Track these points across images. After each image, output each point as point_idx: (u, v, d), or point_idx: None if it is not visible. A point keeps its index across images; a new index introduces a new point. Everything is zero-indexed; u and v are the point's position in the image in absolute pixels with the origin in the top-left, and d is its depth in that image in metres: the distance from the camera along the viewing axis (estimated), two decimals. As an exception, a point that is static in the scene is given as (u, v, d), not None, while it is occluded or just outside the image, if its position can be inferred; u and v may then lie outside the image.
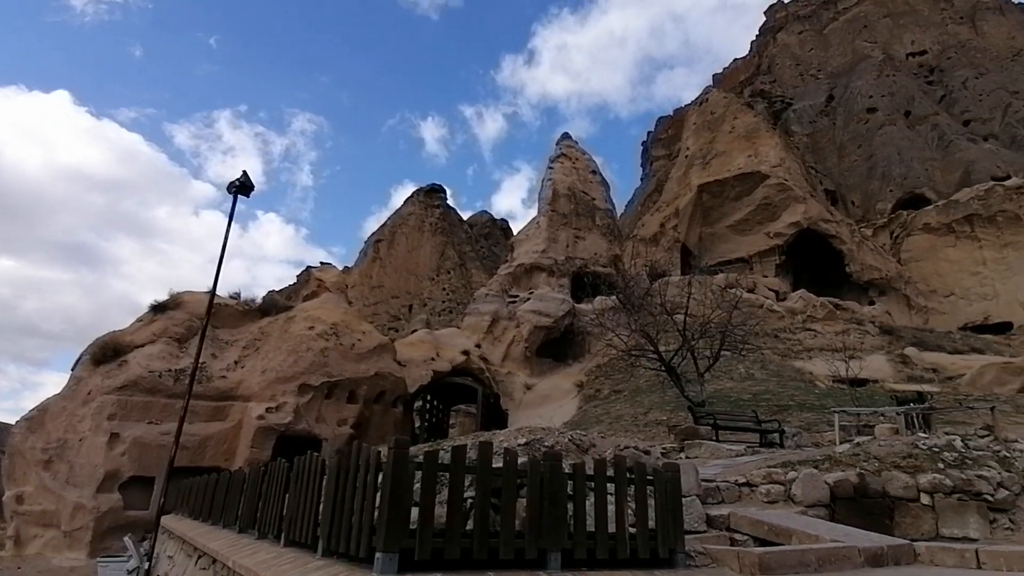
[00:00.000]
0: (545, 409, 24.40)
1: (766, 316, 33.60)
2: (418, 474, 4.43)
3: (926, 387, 22.47)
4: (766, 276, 50.24)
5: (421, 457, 4.55)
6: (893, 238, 55.95)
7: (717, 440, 12.28)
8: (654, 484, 5.42)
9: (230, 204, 12.10)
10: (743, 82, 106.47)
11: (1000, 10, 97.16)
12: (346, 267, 71.20)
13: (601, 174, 50.01)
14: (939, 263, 51.48)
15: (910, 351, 29.96)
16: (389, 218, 73.35)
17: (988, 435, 9.07)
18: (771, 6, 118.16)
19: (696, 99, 71.13)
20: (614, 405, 21.71)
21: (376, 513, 4.31)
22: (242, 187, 11.67)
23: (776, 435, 13.11)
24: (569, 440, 7.37)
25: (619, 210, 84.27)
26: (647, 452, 8.03)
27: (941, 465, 8.07)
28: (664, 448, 11.56)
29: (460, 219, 77.81)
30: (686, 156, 59.88)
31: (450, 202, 77.70)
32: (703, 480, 7.84)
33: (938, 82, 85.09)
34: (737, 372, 24.91)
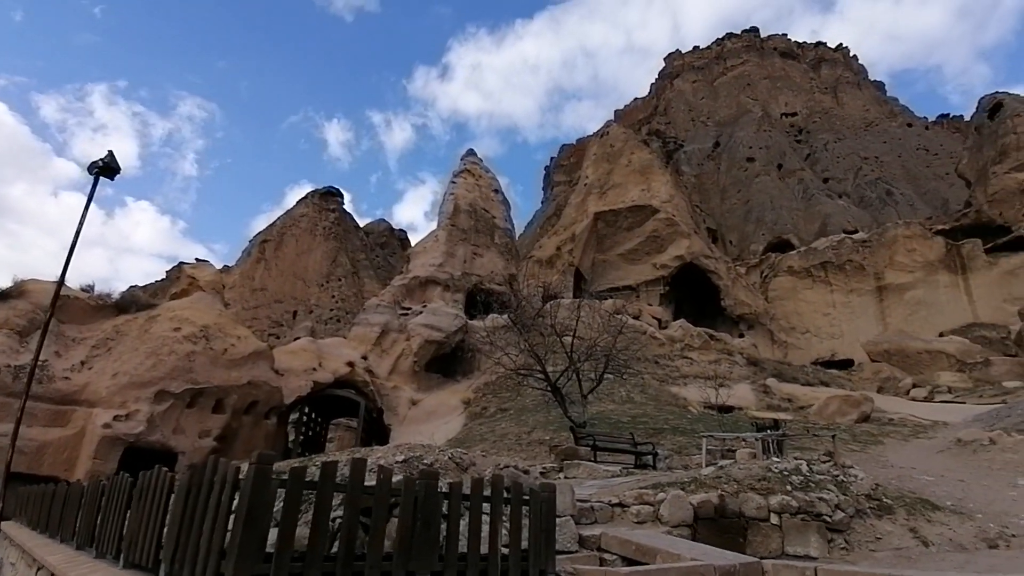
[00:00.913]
0: (430, 425, 24.05)
1: (648, 342, 35.42)
2: (281, 492, 4.12)
3: (781, 415, 24.60)
4: (651, 304, 53.09)
5: (287, 474, 4.25)
6: (763, 277, 61.28)
7: (595, 461, 12.64)
8: (530, 504, 5.41)
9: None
10: (641, 120, 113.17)
11: (858, 85, 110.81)
12: (226, 266, 66.60)
13: (503, 193, 50.74)
14: (799, 303, 56.99)
15: (771, 381, 32.72)
16: (279, 218, 69.69)
17: (829, 461, 10.00)
18: (670, 54, 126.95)
19: (598, 131, 74.44)
20: (500, 423, 21.82)
21: (229, 536, 3.96)
22: (106, 168, 10.53)
23: (650, 457, 13.72)
24: (449, 458, 7.25)
25: (519, 230, 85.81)
26: (526, 472, 8.09)
27: (789, 487, 8.75)
28: (544, 468, 11.71)
29: (356, 226, 75.50)
30: (585, 184, 62.28)
31: (348, 207, 75.35)
32: (578, 500, 8.00)
33: (805, 142, 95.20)
34: (619, 395, 25.96)
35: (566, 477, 11.37)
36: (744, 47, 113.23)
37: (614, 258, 57.72)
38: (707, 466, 11.28)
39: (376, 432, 26.23)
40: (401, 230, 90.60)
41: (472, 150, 53.35)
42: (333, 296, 62.48)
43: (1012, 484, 12.49)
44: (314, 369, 25.70)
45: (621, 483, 10.28)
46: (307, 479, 4.28)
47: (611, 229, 57.64)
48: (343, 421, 30.57)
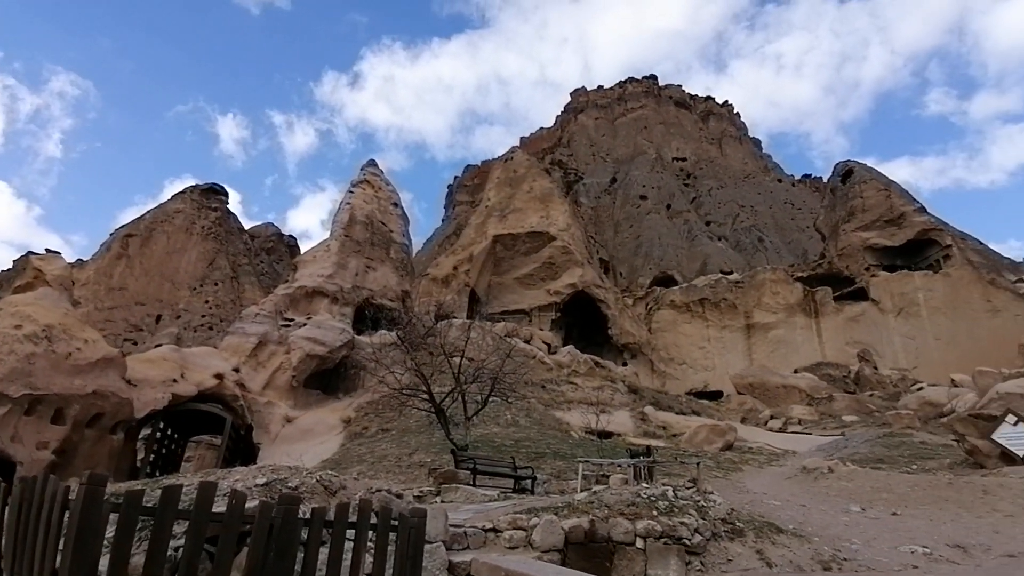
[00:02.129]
0: (305, 445, 22.78)
1: (537, 367, 36.10)
2: (115, 517, 3.74)
3: (656, 442, 25.86)
4: (542, 329, 54.27)
5: (123, 498, 3.84)
6: (647, 309, 64.72)
7: (475, 485, 12.56)
8: (398, 531, 5.22)
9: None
10: (545, 150, 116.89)
11: (739, 140, 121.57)
12: (80, 260, 59.91)
13: (403, 208, 50.01)
14: (678, 335, 60.70)
15: (648, 409, 34.38)
16: (150, 211, 63.81)
17: (693, 487, 10.59)
18: (576, 90, 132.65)
19: (503, 156, 75.87)
20: (380, 444, 21.14)
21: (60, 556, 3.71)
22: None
23: (529, 482, 13.85)
24: (317, 481, 6.87)
25: (418, 247, 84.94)
26: (400, 496, 7.84)
27: (655, 512, 9.15)
28: (421, 491, 11.45)
29: (241, 228, 70.78)
30: (487, 206, 63.00)
31: (236, 208, 70.78)
32: (452, 525, 7.85)
33: (692, 186, 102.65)
34: (504, 418, 26.13)
35: (443, 501, 11.18)
36: (643, 92, 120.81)
37: (510, 281, 58.62)
38: (582, 491, 11.56)
39: (243, 451, 24.41)
40: (291, 236, 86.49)
41: (373, 161, 52.13)
42: (207, 301, 57.95)
43: (845, 510, 13.85)
44: (175, 380, 23.52)
45: (497, 507, 10.26)
46: (146, 504, 3.89)
47: (509, 252, 58.59)
48: (206, 438, 28.16)
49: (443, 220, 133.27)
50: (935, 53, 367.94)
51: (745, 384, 48.57)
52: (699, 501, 10.08)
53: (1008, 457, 16.55)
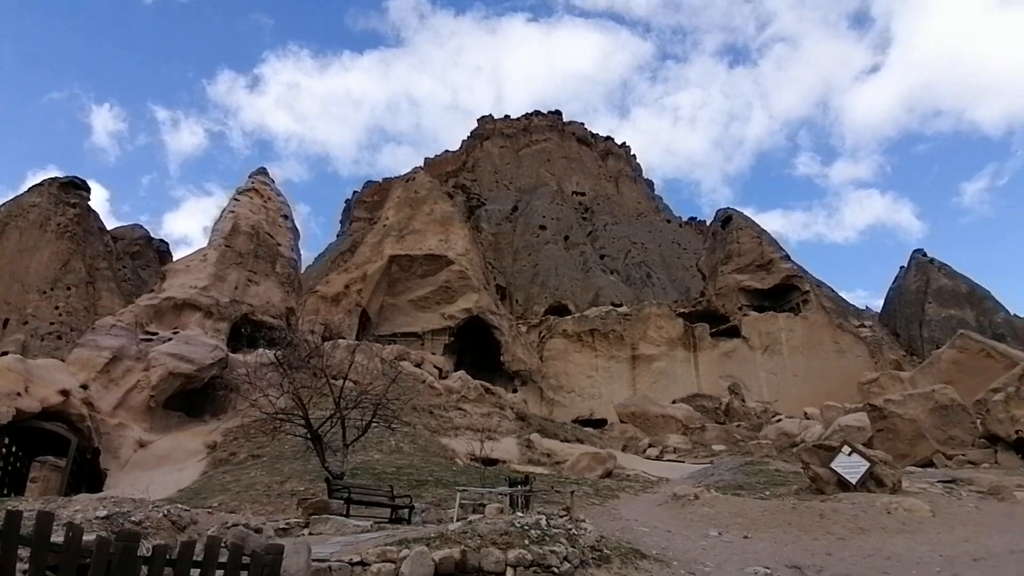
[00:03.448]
0: (160, 472, 20.83)
1: (426, 391, 35.68)
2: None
3: (540, 469, 26.26)
4: (434, 353, 53.85)
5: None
6: (540, 337, 66.22)
7: (347, 515, 12.11)
8: (250, 569, 4.95)
9: None
10: (449, 173, 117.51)
11: (635, 180, 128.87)
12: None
13: (293, 221, 47.89)
14: (568, 364, 62.51)
15: (534, 437, 34.92)
16: (4, 204, 56.95)
17: (566, 515, 10.88)
18: (483, 117, 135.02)
19: (405, 175, 75.36)
20: (248, 472, 19.78)
21: None
22: None
23: (406, 511, 13.57)
24: (164, 515, 6.34)
25: (308, 262, 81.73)
26: (258, 530, 7.42)
27: (527, 541, 9.29)
28: (288, 523, 10.86)
29: (102, 228, 64.34)
30: (384, 225, 62.09)
31: (101, 206, 64.52)
32: (317, 560, 7.52)
33: (589, 220, 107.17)
34: (388, 444, 25.46)
35: (311, 533, 10.68)
36: (548, 126, 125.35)
37: (404, 303, 57.86)
38: (457, 520, 11.51)
39: (90, 476, 21.89)
40: (162, 241, 79.85)
41: (264, 169, 49.48)
42: (57, 307, 51.92)
43: (704, 535, 14.77)
44: (18, 394, 20.82)
45: (369, 539, 9.96)
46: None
47: (405, 274, 57.93)
48: (51, 459, 24.98)
49: (338, 235, 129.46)
50: (805, 122, 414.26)
51: (628, 413, 50.74)
52: (571, 529, 10.36)
53: (843, 484, 18.38)
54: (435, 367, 49.43)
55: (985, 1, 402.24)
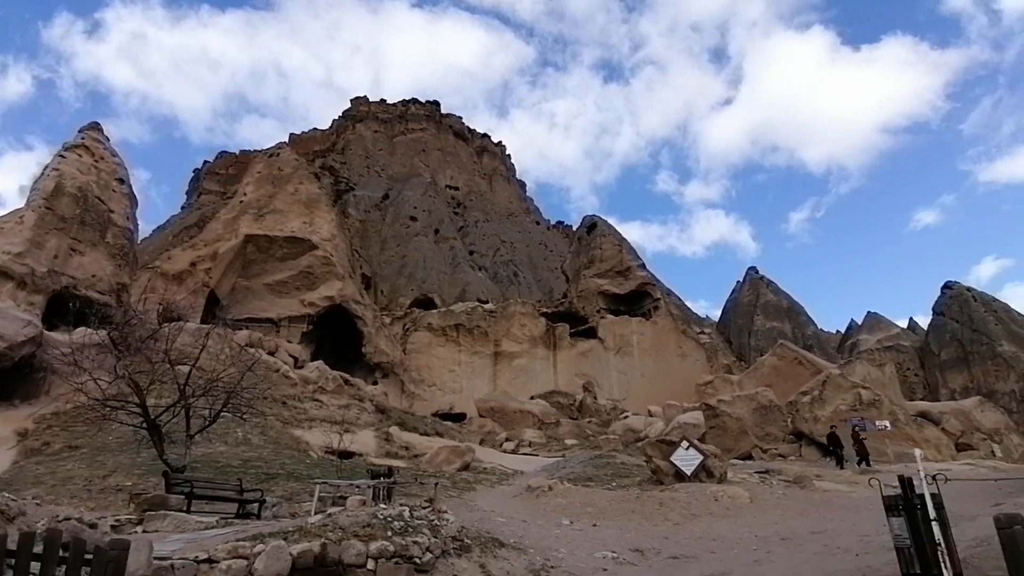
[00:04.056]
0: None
1: (280, 381, 33.70)
2: None
3: (398, 462, 25.94)
4: (291, 341, 50.99)
5: None
6: (404, 330, 65.26)
7: (188, 511, 11.09)
8: (93, 565, 4.47)
9: None
10: (317, 152, 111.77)
11: (508, 180, 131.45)
12: None
13: (130, 186, 42.65)
14: (431, 358, 62.25)
15: (393, 430, 34.38)
16: None
17: (428, 506, 10.86)
18: (357, 98, 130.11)
19: (268, 150, 70.41)
20: (65, 464, 17.33)
21: None
22: None
23: (256, 506, 12.74)
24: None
25: (144, 234, 73.70)
26: (93, 525, 6.58)
27: (390, 533, 9.15)
28: (118, 520, 9.72)
29: None
30: (241, 201, 57.60)
31: None
32: (158, 558, 6.86)
33: (461, 215, 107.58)
34: (234, 436, 23.70)
35: (147, 531, 9.66)
36: (425, 115, 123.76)
37: (259, 287, 54.11)
38: (316, 514, 11.03)
39: None
40: (-33, 198, 67.79)
41: (98, 124, 43.24)
42: None
43: (557, 524, 15.52)
44: None
45: (216, 535, 9.23)
46: None
47: (262, 255, 54.19)
48: None
49: (183, 207, 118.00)
50: (667, 142, 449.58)
51: (487, 408, 51.72)
52: (433, 520, 10.37)
53: (680, 475, 20.24)
54: (291, 356, 46.83)
55: (819, 56, 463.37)
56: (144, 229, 59.43)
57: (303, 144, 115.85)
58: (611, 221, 76.00)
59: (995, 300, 65.35)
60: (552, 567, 10.75)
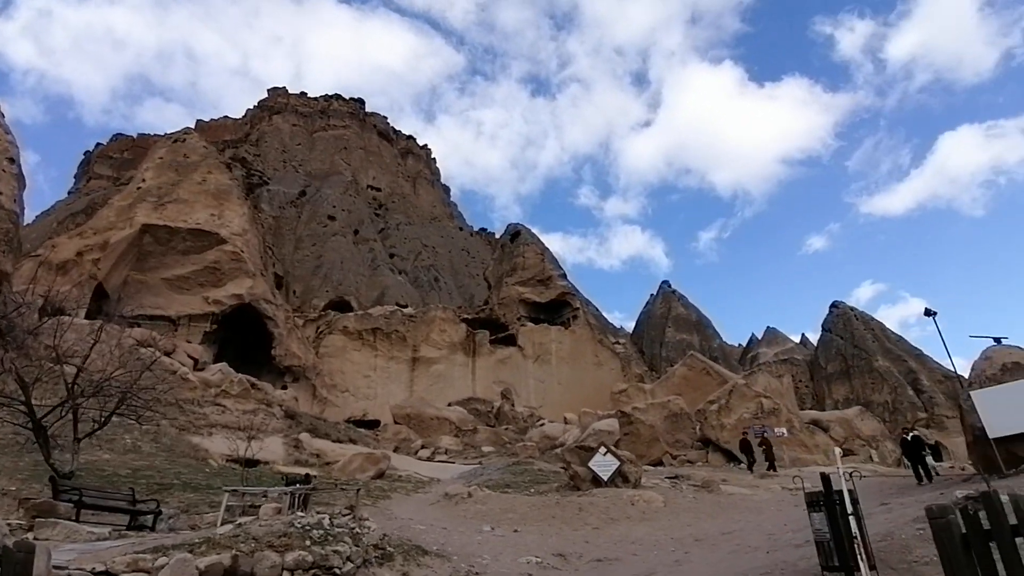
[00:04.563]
0: None
1: (178, 384, 31.31)
2: None
3: (308, 471, 24.77)
4: (190, 341, 47.75)
5: None
6: (318, 332, 62.83)
7: (78, 520, 9.97)
8: (3, 565, 4.17)
9: None
10: (227, 142, 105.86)
11: (432, 183, 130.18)
12: None
13: (20, 167, 38.77)
14: (345, 362, 60.26)
15: (304, 436, 32.86)
16: None
17: (349, 514, 10.35)
18: (275, 88, 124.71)
19: (172, 134, 65.77)
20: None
21: None
22: None
23: (150, 517, 11.67)
24: None
25: (28, 220, 66.99)
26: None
27: (308, 542, 8.62)
28: (10, 524, 8.63)
29: None
30: (139, 188, 53.48)
31: None
32: (56, 567, 6.16)
33: (382, 217, 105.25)
34: (122, 443, 21.71)
35: (37, 538, 8.60)
36: (349, 113, 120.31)
37: (156, 281, 50.31)
38: (223, 524, 10.23)
39: None
40: None
41: (-12, 98, 39.22)
42: None
43: (479, 530, 15.33)
44: None
45: (110, 547, 8.37)
46: None
47: (161, 248, 50.46)
48: None
49: (70, 192, 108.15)
50: (589, 159, 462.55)
51: (403, 414, 50.70)
52: (354, 528, 9.89)
53: (597, 481, 20.59)
54: (191, 357, 43.85)
55: (728, 89, 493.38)
56: (27, 215, 53.67)
57: (212, 132, 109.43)
58: (535, 231, 77.04)
59: (873, 319, 71.97)
60: (477, 573, 10.54)
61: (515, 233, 72.43)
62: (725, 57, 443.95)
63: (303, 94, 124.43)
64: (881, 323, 72.18)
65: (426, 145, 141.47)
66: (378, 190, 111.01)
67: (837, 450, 7.36)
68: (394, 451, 38.92)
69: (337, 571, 8.32)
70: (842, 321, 70.27)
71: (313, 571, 7.97)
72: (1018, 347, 16.97)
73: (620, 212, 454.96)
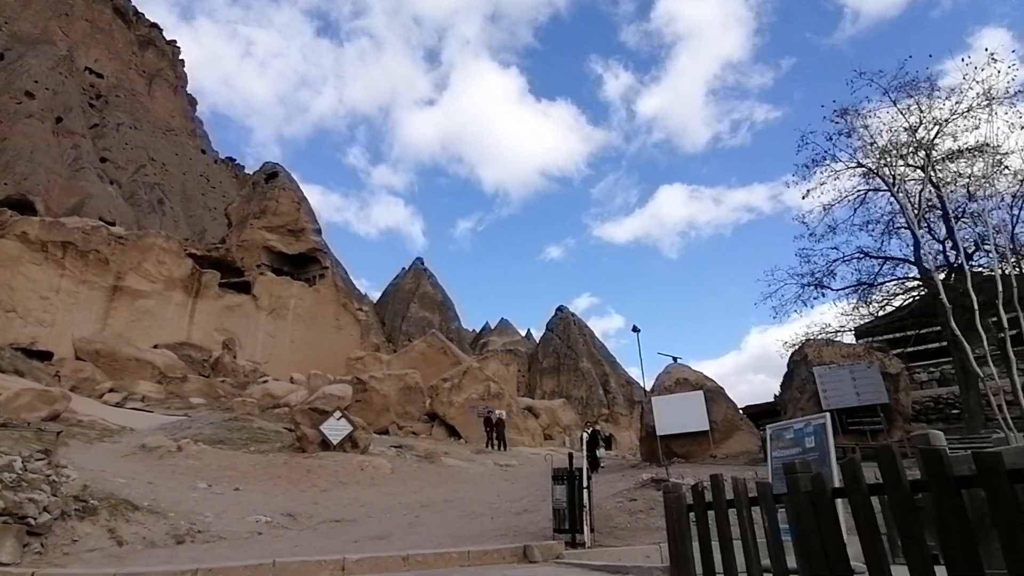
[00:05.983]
0: None
1: None
2: None
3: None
4: None
5: None
6: (-18, 231, 49.12)
7: None
8: None
9: None
10: None
11: (175, 89, 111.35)
12: None
13: None
14: (17, 276, 48.29)
15: (-56, 358, 25.67)
16: None
17: (45, 459, 8.67)
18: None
19: None
20: None
21: None
22: None
23: None
24: None
25: None
26: None
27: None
28: None
29: None
30: None
31: None
32: None
33: (99, 110, 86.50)
34: None
35: None
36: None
37: None
38: None
39: None
40: None
41: None
42: None
43: (193, 487, 14.05)
44: None
45: None
46: None
47: None
48: None
49: None
50: (366, 120, 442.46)
51: (91, 351, 42.95)
52: (51, 476, 8.30)
53: (326, 444, 20.39)
54: None
55: (510, 94, 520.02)
56: None
57: None
58: (294, 174, 71.43)
59: (586, 326, 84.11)
60: (199, 532, 9.77)
61: (272, 173, 66.27)
62: (513, 63, 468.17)
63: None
64: (592, 330, 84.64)
65: (175, 42, 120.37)
66: (100, 76, 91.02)
67: (583, 434, 8.71)
68: (71, 390, 32.80)
69: (32, 521, 6.98)
70: (563, 324, 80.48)
71: (3, 519, 6.55)
72: (688, 366, 21.76)
73: (387, 182, 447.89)
